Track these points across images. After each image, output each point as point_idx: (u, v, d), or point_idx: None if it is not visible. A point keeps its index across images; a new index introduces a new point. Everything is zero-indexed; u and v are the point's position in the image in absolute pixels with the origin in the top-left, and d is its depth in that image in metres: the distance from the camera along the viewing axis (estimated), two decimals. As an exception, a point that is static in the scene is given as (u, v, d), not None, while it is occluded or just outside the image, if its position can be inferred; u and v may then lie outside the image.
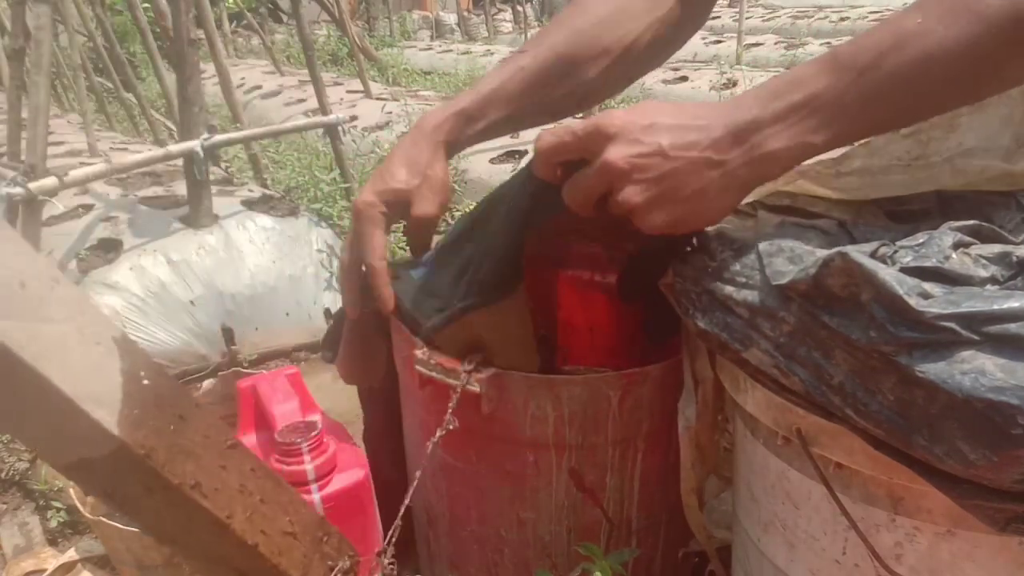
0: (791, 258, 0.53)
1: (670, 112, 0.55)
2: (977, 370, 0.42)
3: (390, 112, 3.57)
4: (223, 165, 3.06)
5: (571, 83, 0.77)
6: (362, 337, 0.84)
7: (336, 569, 0.62)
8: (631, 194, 0.55)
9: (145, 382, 0.49)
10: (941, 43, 0.48)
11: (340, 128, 2.58)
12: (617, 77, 0.80)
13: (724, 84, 4.12)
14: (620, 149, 0.55)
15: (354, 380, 0.90)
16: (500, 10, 10.65)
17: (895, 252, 0.51)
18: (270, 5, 9.00)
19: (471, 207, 2.75)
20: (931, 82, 0.49)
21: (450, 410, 0.70)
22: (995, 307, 0.43)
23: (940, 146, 0.55)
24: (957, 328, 0.43)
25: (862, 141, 0.56)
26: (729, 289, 0.56)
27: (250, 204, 2.34)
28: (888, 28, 0.50)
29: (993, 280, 0.48)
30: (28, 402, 0.43)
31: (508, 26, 10.22)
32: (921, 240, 0.52)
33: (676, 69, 4.85)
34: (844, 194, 0.58)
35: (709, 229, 0.61)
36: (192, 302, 2.02)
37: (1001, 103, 0.55)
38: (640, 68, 0.81)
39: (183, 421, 0.51)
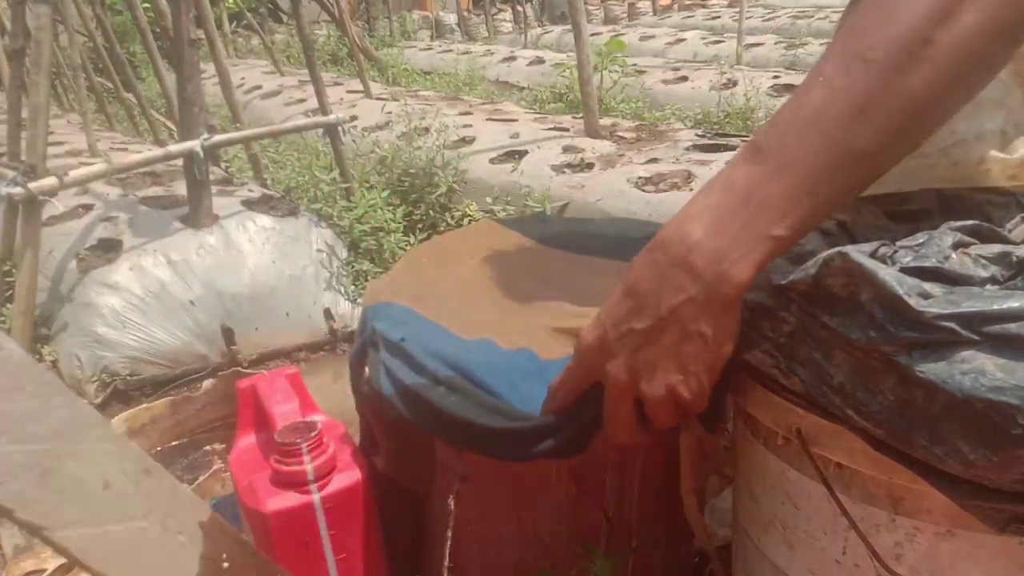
0: (791, 258, 0.53)
1: (623, 296, 0.52)
2: (977, 370, 0.42)
3: (390, 112, 3.57)
4: (223, 165, 3.05)
5: None
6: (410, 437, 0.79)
7: None
8: (657, 396, 0.51)
9: (225, 564, 0.47)
10: (848, 105, 0.46)
11: (340, 128, 2.58)
12: None
13: (724, 84, 4.12)
14: (615, 364, 0.52)
15: (402, 480, 0.86)
16: (500, 10, 10.64)
17: (895, 252, 0.51)
18: (270, 5, 9.00)
19: (470, 207, 2.71)
20: (859, 139, 0.46)
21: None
22: (995, 307, 0.43)
23: (934, 137, 0.55)
24: (957, 328, 0.43)
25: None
26: (729, 289, 0.56)
27: (250, 204, 2.34)
28: (796, 102, 0.48)
29: (993, 280, 0.48)
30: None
31: (508, 26, 10.22)
32: (921, 240, 0.52)
33: (676, 69, 4.85)
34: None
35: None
36: (192, 302, 2.02)
37: (992, 87, 0.55)
38: None
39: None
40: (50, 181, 1.85)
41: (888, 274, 0.46)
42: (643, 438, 0.55)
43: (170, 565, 0.45)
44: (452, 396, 0.67)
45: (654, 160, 2.40)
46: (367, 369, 0.78)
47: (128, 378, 1.94)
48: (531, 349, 0.74)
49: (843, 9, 0.58)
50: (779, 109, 0.49)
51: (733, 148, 2.47)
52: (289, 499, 0.80)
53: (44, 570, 1.25)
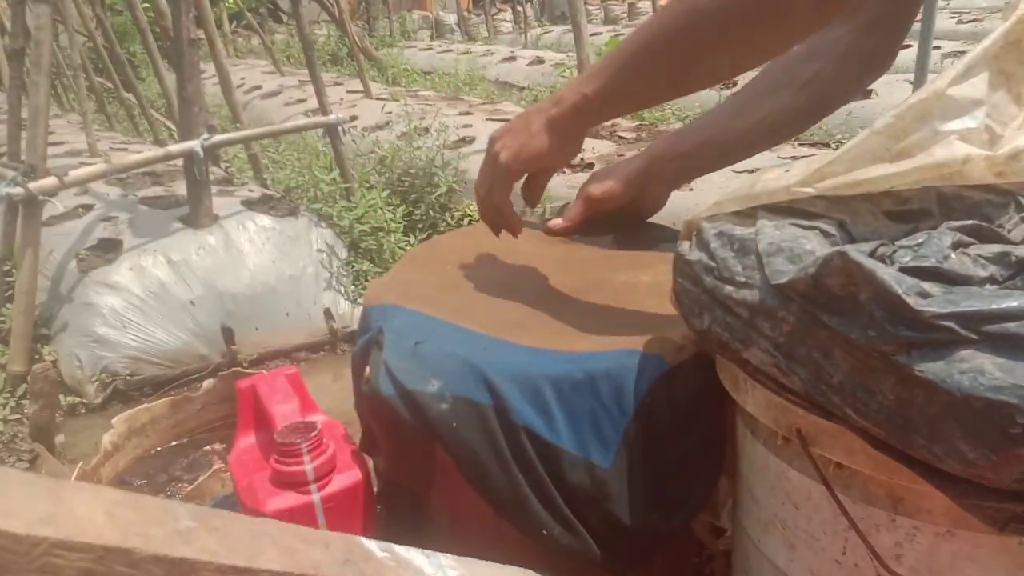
0: (791, 258, 0.53)
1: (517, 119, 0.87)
2: (976, 369, 0.42)
3: (390, 112, 3.57)
4: (223, 165, 3.06)
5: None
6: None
7: None
8: (494, 151, 0.85)
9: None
10: (659, 25, 0.72)
11: (340, 128, 2.58)
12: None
13: (724, 84, 4.12)
14: (493, 137, 0.87)
15: (401, 480, 0.87)
16: (500, 10, 10.65)
17: (894, 252, 0.51)
18: (270, 5, 9.00)
19: (471, 207, 2.70)
20: (643, 56, 0.74)
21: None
22: (994, 306, 0.43)
23: (918, 136, 0.55)
24: (956, 327, 0.43)
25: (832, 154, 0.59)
26: (729, 289, 0.56)
27: (250, 204, 2.34)
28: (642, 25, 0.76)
29: (992, 280, 0.48)
30: None
31: (508, 26, 10.22)
32: (920, 240, 0.52)
33: (676, 69, 4.83)
34: (836, 189, 0.58)
35: (710, 228, 0.61)
36: (192, 302, 2.03)
37: (972, 86, 0.55)
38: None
39: None
40: (50, 181, 1.85)
41: (887, 273, 0.46)
42: (484, 194, 0.89)
43: None
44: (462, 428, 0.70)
45: (654, 160, 2.40)
46: (368, 369, 0.78)
47: (128, 378, 1.94)
48: (553, 347, 0.73)
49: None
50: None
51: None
52: (289, 499, 0.80)
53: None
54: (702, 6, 0.67)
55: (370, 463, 0.89)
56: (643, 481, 0.69)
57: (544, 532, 0.69)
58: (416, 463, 0.80)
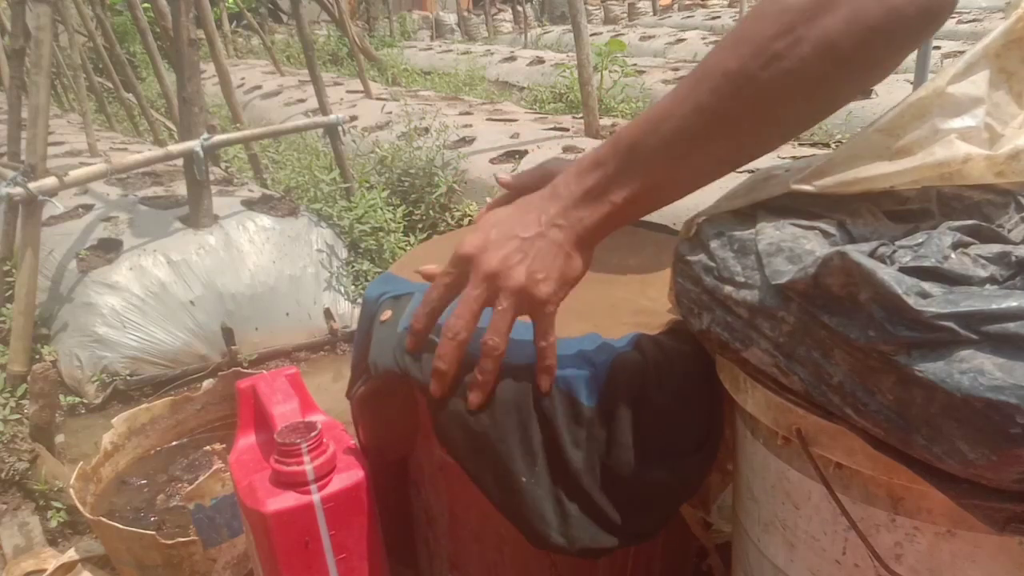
0: (790, 258, 0.53)
1: (506, 212, 0.65)
2: (976, 369, 0.42)
3: (390, 112, 3.57)
4: (223, 165, 3.05)
5: None
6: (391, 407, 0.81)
7: None
8: (516, 279, 0.62)
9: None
10: (686, 114, 0.56)
11: (340, 128, 2.58)
12: None
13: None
14: (488, 257, 0.63)
15: (382, 451, 0.87)
16: (500, 10, 10.65)
17: (894, 252, 0.51)
18: (270, 5, 9.01)
19: (471, 207, 2.70)
20: (686, 143, 0.57)
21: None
22: (994, 306, 0.43)
23: (918, 134, 0.55)
24: (956, 327, 0.43)
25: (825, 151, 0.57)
26: (729, 289, 0.56)
27: (250, 204, 2.34)
28: (655, 106, 0.59)
29: (992, 280, 0.48)
30: None
31: (508, 26, 10.22)
32: (920, 240, 0.52)
33: (676, 69, 4.85)
34: (836, 188, 0.58)
35: (710, 228, 0.61)
36: (192, 302, 2.03)
37: (971, 84, 0.55)
38: None
39: None
40: (50, 181, 1.85)
41: (887, 274, 0.46)
42: (466, 337, 0.65)
43: None
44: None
45: (654, 160, 2.39)
46: (388, 313, 0.80)
47: (128, 378, 1.94)
48: (594, 332, 0.74)
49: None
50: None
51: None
52: (289, 499, 0.80)
53: (44, 570, 1.25)
54: (767, 77, 0.53)
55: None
56: (630, 424, 0.69)
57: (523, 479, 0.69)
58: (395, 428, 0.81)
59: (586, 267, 0.64)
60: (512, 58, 6.53)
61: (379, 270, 2.30)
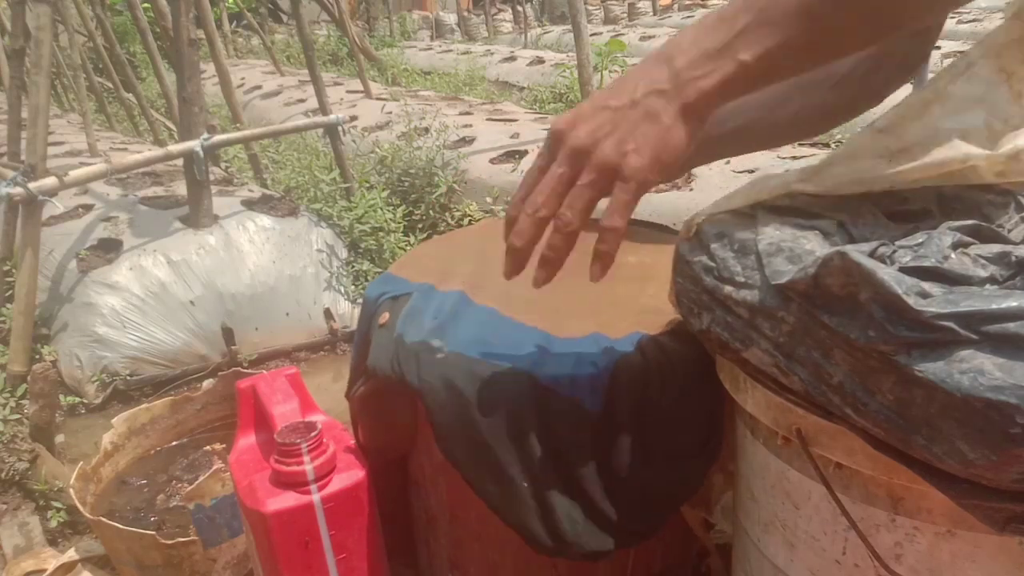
0: (790, 258, 0.53)
1: (612, 85, 0.59)
2: (976, 369, 0.42)
3: (390, 112, 3.57)
4: (223, 165, 3.05)
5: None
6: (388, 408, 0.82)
7: None
8: (603, 152, 0.56)
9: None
10: None
11: (340, 128, 2.58)
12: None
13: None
14: (576, 132, 0.58)
15: (382, 451, 0.87)
16: (500, 10, 10.65)
17: (894, 252, 0.51)
18: (270, 5, 9.01)
19: (470, 207, 2.69)
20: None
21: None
22: (994, 306, 0.43)
23: (918, 134, 0.55)
24: (956, 327, 0.43)
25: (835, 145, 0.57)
26: (729, 289, 0.56)
27: (250, 204, 2.34)
28: None
29: (992, 280, 0.48)
30: None
31: (508, 26, 10.22)
32: (920, 240, 0.52)
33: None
34: (836, 188, 0.58)
35: (710, 228, 0.61)
36: (192, 302, 2.02)
37: (972, 83, 0.55)
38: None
39: None
40: (50, 181, 1.85)
41: (887, 274, 0.46)
42: (546, 215, 0.59)
43: None
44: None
45: (654, 160, 2.39)
46: (386, 315, 0.80)
47: (128, 378, 1.94)
48: (597, 332, 0.74)
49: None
50: None
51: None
52: (289, 499, 0.80)
53: (44, 570, 1.25)
54: None
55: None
56: (632, 427, 0.69)
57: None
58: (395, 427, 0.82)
59: (690, 144, 0.56)
60: (512, 58, 6.53)
61: (379, 270, 2.30)
